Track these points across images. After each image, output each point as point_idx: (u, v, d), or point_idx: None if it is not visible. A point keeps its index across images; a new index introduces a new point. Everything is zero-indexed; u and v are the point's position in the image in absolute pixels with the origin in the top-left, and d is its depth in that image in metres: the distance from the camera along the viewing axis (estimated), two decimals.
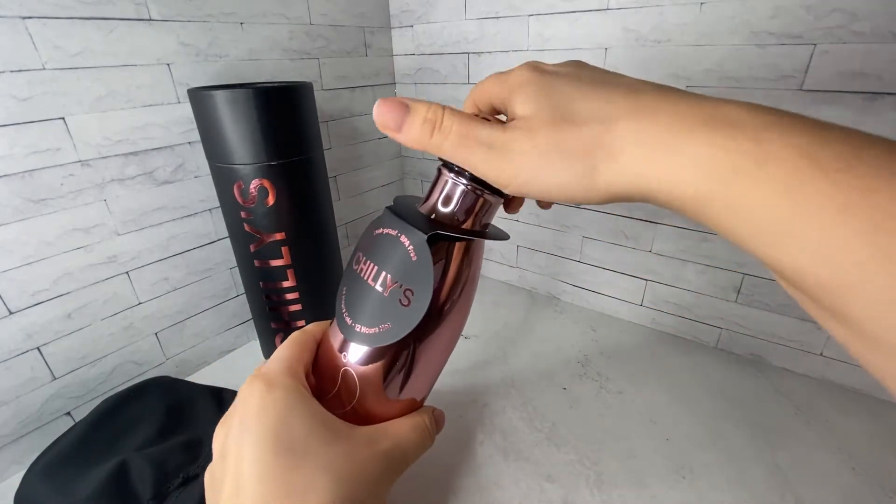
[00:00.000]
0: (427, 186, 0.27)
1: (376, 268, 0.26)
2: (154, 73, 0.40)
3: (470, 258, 0.27)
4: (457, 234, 0.25)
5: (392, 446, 0.25)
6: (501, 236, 0.29)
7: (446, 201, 0.26)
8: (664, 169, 0.16)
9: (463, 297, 0.28)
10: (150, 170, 0.42)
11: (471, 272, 0.27)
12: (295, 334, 0.28)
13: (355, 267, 0.28)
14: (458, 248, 0.26)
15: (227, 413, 0.24)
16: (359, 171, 0.63)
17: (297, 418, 0.22)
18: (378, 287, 0.26)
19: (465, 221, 0.26)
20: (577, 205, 0.23)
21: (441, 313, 0.27)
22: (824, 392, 0.44)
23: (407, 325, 0.25)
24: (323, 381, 0.28)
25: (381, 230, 0.27)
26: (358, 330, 0.27)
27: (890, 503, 0.33)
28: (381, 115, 0.21)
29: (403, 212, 0.26)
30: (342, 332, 0.28)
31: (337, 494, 0.21)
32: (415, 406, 0.29)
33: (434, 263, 0.25)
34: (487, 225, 0.28)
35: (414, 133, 0.20)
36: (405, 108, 0.20)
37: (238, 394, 0.24)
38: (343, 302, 0.28)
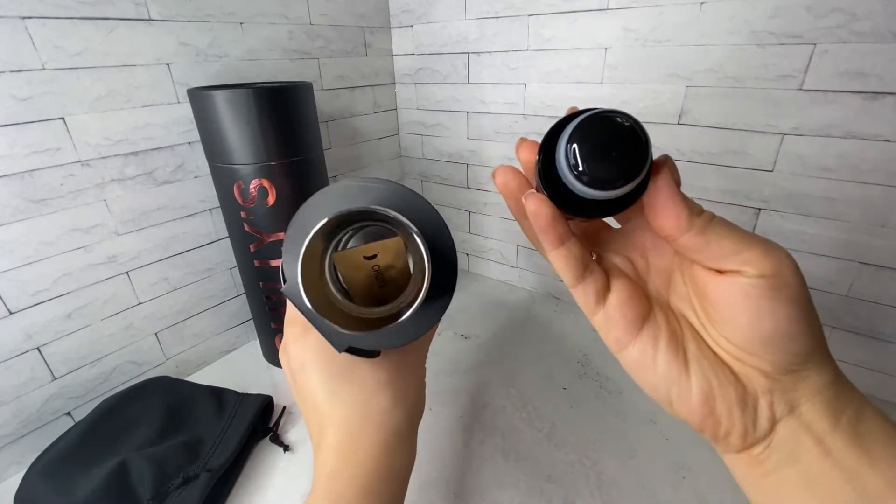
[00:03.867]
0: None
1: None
2: (154, 73, 0.40)
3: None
4: (369, 342, 0.24)
5: (416, 342, 0.28)
6: (439, 303, 0.23)
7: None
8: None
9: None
10: (150, 170, 0.42)
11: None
12: None
13: None
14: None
15: (281, 346, 0.30)
16: (359, 171, 0.62)
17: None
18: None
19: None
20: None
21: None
22: None
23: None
24: None
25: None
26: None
27: None
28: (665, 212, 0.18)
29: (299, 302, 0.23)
30: None
31: (390, 396, 0.27)
32: None
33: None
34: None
35: (705, 228, 0.18)
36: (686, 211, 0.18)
37: (284, 333, 0.30)
38: None
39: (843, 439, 0.19)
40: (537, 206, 0.19)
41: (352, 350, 0.25)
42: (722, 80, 0.40)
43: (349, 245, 0.25)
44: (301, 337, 0.28)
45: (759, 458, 0.21)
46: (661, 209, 0.18)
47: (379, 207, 0.20)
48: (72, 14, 0.35)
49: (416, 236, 0.19)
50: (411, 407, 0.29)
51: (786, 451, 0.20)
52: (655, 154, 0.17)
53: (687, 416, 0.22)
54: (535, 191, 0.19)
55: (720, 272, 0.19)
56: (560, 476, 0.36)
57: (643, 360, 0.22)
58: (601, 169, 0.16)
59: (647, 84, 0.44)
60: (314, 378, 0.28)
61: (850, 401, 0.20)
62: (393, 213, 0.19)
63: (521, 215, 0.22)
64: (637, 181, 0.16)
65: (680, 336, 0.22)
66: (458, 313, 0.58)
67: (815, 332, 0.19)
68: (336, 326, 0.20)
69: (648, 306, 0.23)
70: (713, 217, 0.18)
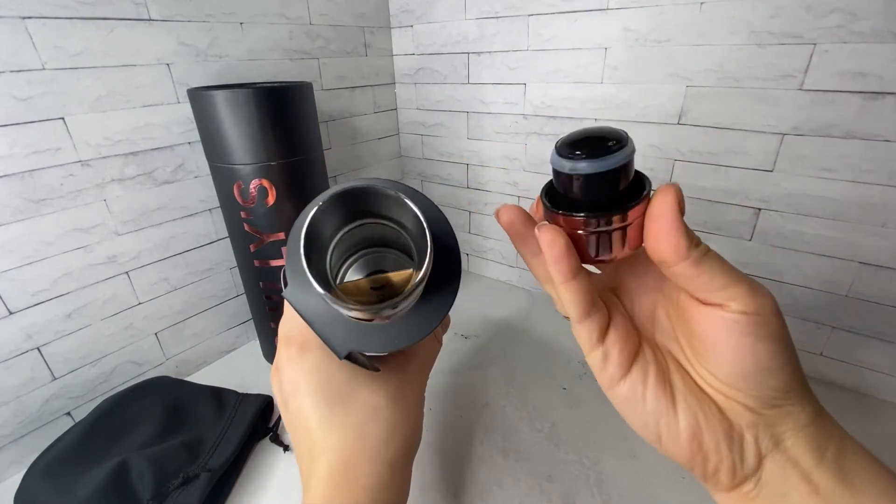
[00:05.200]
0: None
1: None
2: (154, 73, 0.40)
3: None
4: (377, 346, 0.22)
5: (419, 362, 0.30)
6: (445, 295, 0.22)
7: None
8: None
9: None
10: (150, 170, 0.42)
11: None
12: None
13: None
14: None
15: (273, 367, 0.28)
16: (359, 171, 0.63)
17: (335, 370, 0.26)
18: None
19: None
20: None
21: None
22: (824, 392, 0.43)
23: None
24: None
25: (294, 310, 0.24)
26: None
27: None
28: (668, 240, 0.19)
29: (304, 305, 0.22)
30: None
31: (388, 424, 0.26)
32: None
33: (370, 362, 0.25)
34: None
35: (695, 255, 0.19)
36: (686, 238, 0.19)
37: (277, 354, 0.28)
38: None
39: (829, 475, 0.19)
40: (552, 235, 0.20)
41: (352, 358, 0.23)
42: (722, 80, 0.40)
43: (349, 274, 0.24)
44: (297, 358, 0.27)
45: (749, 495, 0.21)
46: (664, 236, 0.19)
47: (379, 185, 0.19)
48: (72, 14, 0.35)
49: (417, 212, 0.19)
50: (408, 438, 0.27)
51: (774, 487, 0.20)
52: (659, 178, 0.19)
53: (676, 453, 0.22)
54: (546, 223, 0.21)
55: (704, 304, 0.20)
56: (560, 476, 0.36)
57: (633, 396, 0.23)
58: (585, 144, 0.18)
59: (647, 84, 0.44)
60: (308, 402, 0.26)
61: (833, 436, 0.20)
62: (394, 192, 0.19)
63: (527, 252, 0.23)
64: (623, 152, 0.18)
65: (667, 371, 0.23)
66: (458, 313, 0.58)
67: (794, 369, 0.20)
68: (342, 305, 0.19)
69: (639, 343, 0.23)
70: (708, 250, 0.19)
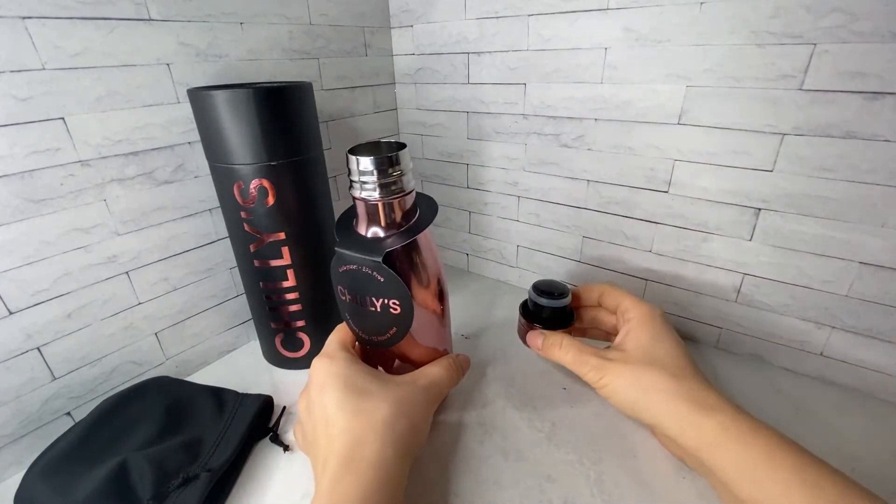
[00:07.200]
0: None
1: (359, 295, 0.34)
2: (154, 73, 0.40)
3: (422, 244, 0.35)
4: (398, 242, 0.32)
5: (429, 382, 0.36)
6: (430, 215, 0.34)
7: (372, 219, 0.33)
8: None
9: (431, 268, 0.36)
10: (150, 170, 0.42)
11: (428, 248, 0.36)
12: (342, 324, 0.39)
13: (343, 298, 0.36)
14: (407, 247, 0.33)
15: (304, 388, 0.35)
16: None
17: (356, 374, 0.33)
18: (370, 308, 0.34)
19: (396, 223, 0.33)
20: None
21: (421, 293, 0.36)
22: (824, 392, 0.44)
23: (406, 323, 0.34)
24: (369, 355, 0.40)
25: (343, 268, 0.34)
26: (376, 340, 0.36)
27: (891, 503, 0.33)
28: (533, 340, 0.42)
29: (351, 246, 0.33)
30: (365, 343, 0.38)
31: (393, 411, 0.31)
32: (441, 354, 0.41)
33: (398, 271, 0.32)
34: (415, 211, 0.35)
35: (549, 350, 0.40)
36: (543, 337, 0.41)
37: (310, 370, 0.35)
38: (352, 324, 0.37)
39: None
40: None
41: (389, 259, 0.32)
42: (722, 80, 0.40)
43: None
44: (326, 364, 0.33)
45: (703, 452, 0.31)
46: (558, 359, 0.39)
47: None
48: (72, 14, 0.35)
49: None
50: (409, 431, 0.31)
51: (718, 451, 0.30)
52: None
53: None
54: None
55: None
56: (560, 476, 0.36)
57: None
58: (549, 292, 0.42)
59: (647, 84, 0.44)
60: (330, 395, 0.31)
61: (738, 440, 0.29)
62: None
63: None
64: (565, 300, 0.41)
65: None
66: (459, 313, 0.58)
67: (647, 416, 0.34)
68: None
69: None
70: (560, 345, 0.39)
